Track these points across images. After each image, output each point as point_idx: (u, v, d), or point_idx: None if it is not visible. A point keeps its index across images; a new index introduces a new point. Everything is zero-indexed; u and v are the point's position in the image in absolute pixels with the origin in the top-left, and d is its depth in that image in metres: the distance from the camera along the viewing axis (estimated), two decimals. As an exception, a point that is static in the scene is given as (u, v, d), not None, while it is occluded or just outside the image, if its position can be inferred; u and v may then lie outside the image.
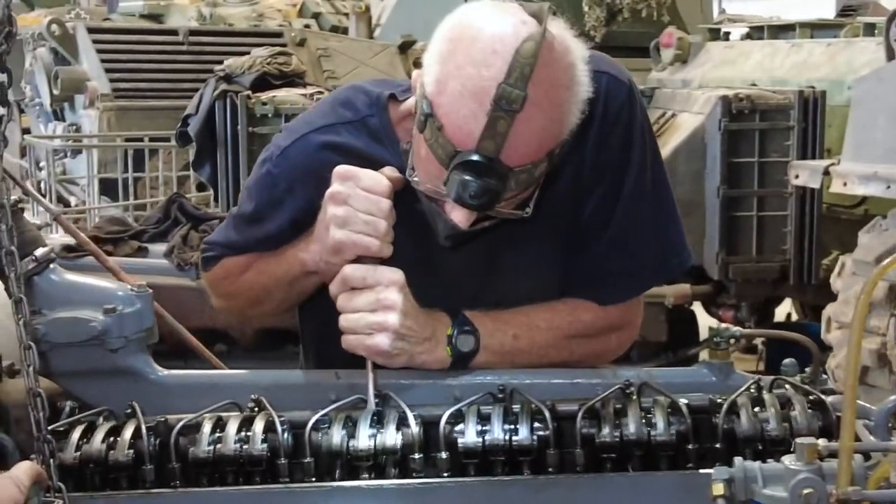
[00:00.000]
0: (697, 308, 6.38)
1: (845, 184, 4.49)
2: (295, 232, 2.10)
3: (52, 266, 2.02)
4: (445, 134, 1.80)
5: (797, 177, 4.83)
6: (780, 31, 7.69)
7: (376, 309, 1.96)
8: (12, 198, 1.87)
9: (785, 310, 7.53)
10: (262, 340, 3.33)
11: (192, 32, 9.43)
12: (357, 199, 1.96)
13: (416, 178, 1.92)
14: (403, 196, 2.00)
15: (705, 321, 6.42)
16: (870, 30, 6.88)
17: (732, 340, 2.03)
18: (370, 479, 1.83)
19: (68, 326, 1.98)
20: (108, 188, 8.54)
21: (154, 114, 8.83)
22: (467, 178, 1.79)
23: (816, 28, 7.56)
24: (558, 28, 1.84)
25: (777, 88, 6.01)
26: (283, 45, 7.84)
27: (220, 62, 8.74)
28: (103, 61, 9.03)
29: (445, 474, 1.81)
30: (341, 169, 1.99)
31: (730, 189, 5.47)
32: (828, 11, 15.01)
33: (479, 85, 1.77)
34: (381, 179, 1.97)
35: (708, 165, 5.49)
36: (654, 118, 5.92)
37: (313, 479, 1.83)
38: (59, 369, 1.98)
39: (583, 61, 1.86)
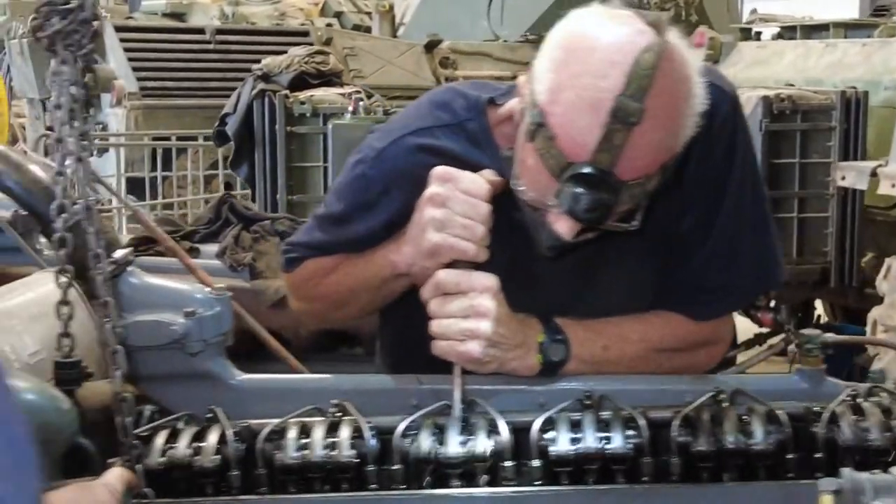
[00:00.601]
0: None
1: (894, 185, 4.45)
2: (386, 234, 2.07)
3: (130, 268, 2.00)
4: (558, 145, 1.76)
5: (843, 178, 4.80)
6: (813, 30, 7.64)
7: (469, 315, 1.91)
8: (90, 199, 1.85)
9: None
10: (316, 342, 3.30)
11: (219, 31, 9.40)
12: (456, 202, 1.91)
13: (521, 187, 1.88)
14: (500, 201, 1.95)
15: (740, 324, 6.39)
16: (906, 29, 6.84)
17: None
18: (461, 486, 1.80)
19: (148, 330, 1.95)
20: (135, 187, 8.52)
21: (181, 112, 8.80)
22: (580, 190, 1.75)
23: (850, 28, 7.52)
24: (675, 38, 1.79)
25: (815, 89, 5.96)
26: (310, 45, 7.82)
27: (247, 61, 8.74)
28: (130, 60, 8.99)
29: (537, 483, 1.79)
30: (440, 170, 1.95)
31: (771, 190, 5.41)
32: (851, 11, 14.99)
33: (595, 96, 1.72)
34: (481, 182, 1.93)
35: (749, 166, 5.43)
36: (692, 118, 5.88)
37: (402, 486, 1.80)
38: (138, 373, 1.95)
39: (698, 73, 1.82)
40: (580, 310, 2.05)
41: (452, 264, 1.94)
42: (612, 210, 1.79)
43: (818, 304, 7.35)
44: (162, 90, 8.98)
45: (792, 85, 6.26)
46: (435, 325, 1.93)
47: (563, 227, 1.84)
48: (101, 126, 9.54)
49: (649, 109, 1.71)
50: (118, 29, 9.28)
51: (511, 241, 1.99)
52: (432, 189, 1.93)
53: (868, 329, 4.61)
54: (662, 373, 2.05)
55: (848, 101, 5.42)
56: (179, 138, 8.44)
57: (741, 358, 6.04)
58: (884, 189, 4.53)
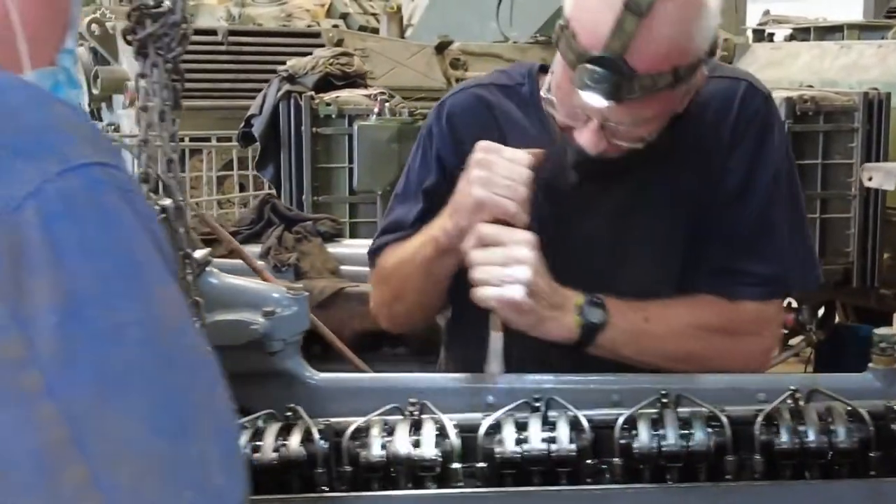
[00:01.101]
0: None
1: (922, 186, 4.48)
2: (443, 185, 2.17)
3: (209, 269, 2.01)
4: (577, 40, 1.90)
5: (870, 179, 4.82)
6: (827, 32, 7.68)
7: (509, 263, 1.98)
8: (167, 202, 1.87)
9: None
10: (359, 342, 3.32)
11: (232, 33, 9.41)
12: (500, 166, 2.01)
13: (554, 110, 2.03)
14: (538, 179, 2.07)
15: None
16: (922, 31, 6.87)
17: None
18: (542, 484, 1.82)
19: (229, 329, 1.96)
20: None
21: (194, 113, 8.77)
22: (591, 67, 1.87)
23: (864, 29, 7.55)
24: None
25: (832, 90, 5.98)
26: (322, 46, 7.83)
27: (259, 62, 8.77)
28: (143, 61, 8.98)
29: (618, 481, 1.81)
30: (485, 143, 2.05)
31: (793, 191, 5.43)
32: (855, 11, 15.02)
33: None
34: (523, 154, 2.03)
35: (771, 167, 5.45)
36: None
37: (485, 484, 1.82)
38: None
39: None
40: (611, 278, 2.14)
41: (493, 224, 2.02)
42: (622, 89, 1.88)
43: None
44: (181, 100, 8.95)
45: (811, 86, 6.29)
46: (476, 271, 2.00)
47: (586, 138, 1.99)
48: (113, 127, 9.55)
49: (659, 3, 1.85)
50: (131, 30, 9.27)
51: (542, 210, 2.10)
52: (478, 154, 2.03)
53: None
54: (711, 356, 2.10)
55: (870, 102, 5.45)
56: (192, 139, 8.44)
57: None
58: (911, 190, 4.55)
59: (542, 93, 2.05)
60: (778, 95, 5.55)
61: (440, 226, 2.12)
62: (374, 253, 2.32)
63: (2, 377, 0.78)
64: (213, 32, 9.42)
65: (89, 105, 9.71)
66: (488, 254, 2.00)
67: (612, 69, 1.86)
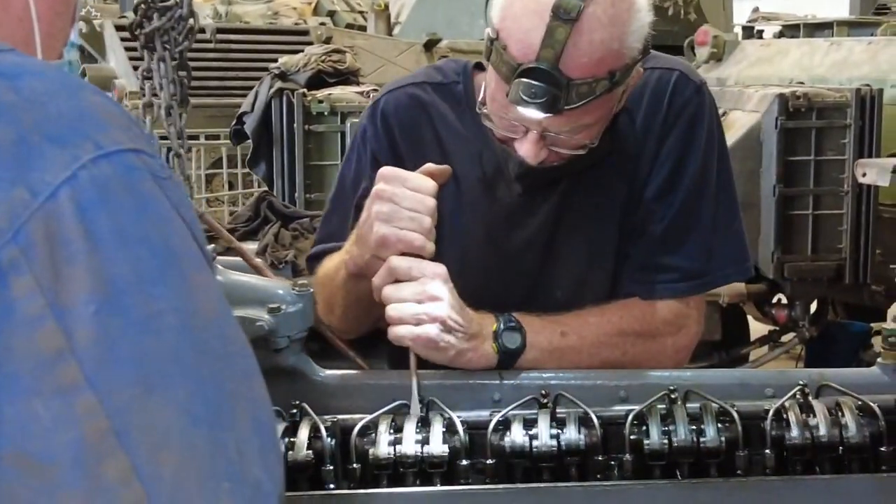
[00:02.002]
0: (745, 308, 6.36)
1: (916, 182, 4.48)
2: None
3: (214, 265, 2.00)
4: (509, 52, 1.86)
5: (864, 175, 4.82)
6: (816, 29, 7.70)
7: (423, 300, 1.95)
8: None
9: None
10: (357, 339, 3.30)
11: (220, 31, 9.37)
12: (402, 197, 1.97)
13: (490, 122, 1.99)
14: (468, 172, 2.10)
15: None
16: (911, 28, 6.89)
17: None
18: (552, 480, 1.81)
19: (234, 326, 1.95)
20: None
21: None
22: (526, 80, 1.84)
23: (853, 26, 7.57)
24: None
25: (822, 87, 6.00)
26: (310, 44, 7.82)
27: (247, 60, 8.75)
28: (131, 59, 8.96)
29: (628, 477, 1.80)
30: (387, 170, 2.02)
31: (785, 187, 5.45)
32: (841, 9, 15.06)
33: (539, 1, 1.83)
34: (426, 181, 1.99)
35: (764, 164, 5.47)
36: (702, 116, 5.89)
37: (494, 480, 1.81)
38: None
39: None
40: (546, 280, 2.14)
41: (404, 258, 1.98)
42: (559, 100, 1.85)
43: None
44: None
45: (801, 83, 6.31)
46: (391, 310, 1.96)
47: (526, 149, 1.96)
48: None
49: (589, 9, 1.82)
50: (119, 28, 9.25)
51: (478, 212, 2.11)
52: (379, 186, 1.99)
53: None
54: (628, 360, 2.07)
55: (863, 98, 5.46)
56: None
57: (754, 355, 6.11)
58: (905, 186, 4.56)
59: (478, 107, 2.00)
60: (771, 92, 5.57)
61: (348, 251, 2.09)
62: (312, 261, 2.29)
63: (40, 369, 0.77)
64: (201, 30, 9.36)
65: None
66: (401, 290, 1.96)
67: (547, 81, 1.83)
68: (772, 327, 6.12)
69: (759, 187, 5.49)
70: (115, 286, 0.79)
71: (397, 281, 1.98)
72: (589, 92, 1.86)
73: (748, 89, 5.87)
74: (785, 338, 6.03)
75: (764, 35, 8.20)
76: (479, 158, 2.13)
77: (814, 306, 6.13)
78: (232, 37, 9.43)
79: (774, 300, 5.94)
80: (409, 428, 1.82)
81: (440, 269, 1.97)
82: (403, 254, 1.98)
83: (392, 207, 1.96)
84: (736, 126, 5.60)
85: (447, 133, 2.16)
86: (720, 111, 5.71)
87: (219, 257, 2.34)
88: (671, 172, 2.09)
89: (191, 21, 1.70)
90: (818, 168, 5.48)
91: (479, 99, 2.00)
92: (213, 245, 2.01)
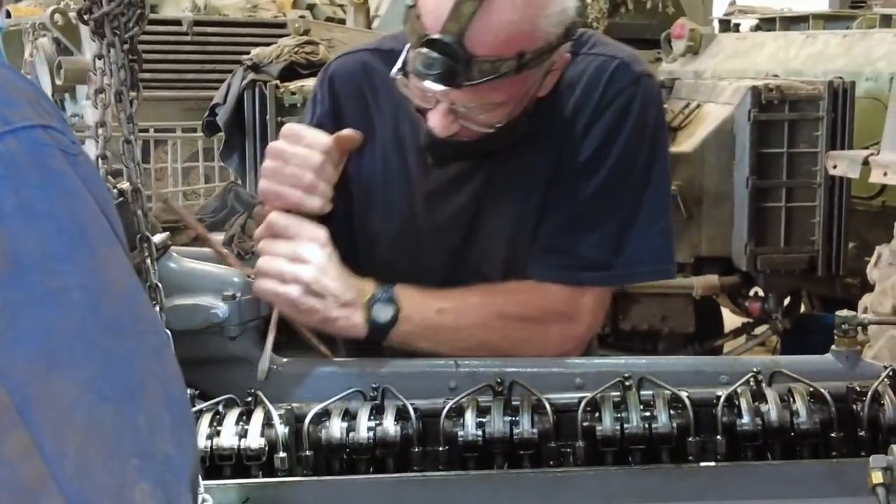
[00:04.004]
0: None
1: (885, 174, 4.49)
2: None
3: (169, 252, 1.99)
4: (420, 21, 1.86)
5: (835, 167, 4.83)
6: (792, 22, 7.70)
7: (293, 260, 1.96)
8: (125, 185, 1.85)
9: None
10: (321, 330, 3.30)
11: (196, 23, 9.35)
12: (290, 154, 1.99)
13: (405, 84, 1.97)
14: (392, 149, 2.10)
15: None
16: (886, 21, 6.90)
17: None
18: (505, 467, 1.81)
19: (188, 313, 1.95)
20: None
21: (159, 104, 8.73)
22: (426, 51, 1.83)
23: (829, 19, 7.58)
24: None
25: (797, 79, 6.00)
26: (287, 36, 7.79)
27: (224, 53, 8.72)
28: (107, 51, 8.92)
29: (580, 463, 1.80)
30: (287, 127, 2.05)
31: (758, 180, 5.45)
32: (821, 3, 15.07)
33: None
34: (319, 139, 2.01)
35: (737, 156, 5.47)
36: (677, 109, 5.90)
37: (446, 467, 1.81)
38: (178, 357, 1.94)
39: None
40: (472, 257, 2.13)
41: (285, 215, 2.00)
42: (457, 74, 1.84)
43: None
44: (139, 82, 8.89)
45: (776, 76, 6.31)
46: (261, 262, 1.98)
47: (435, 120, 1.96)
48: (76, 118, 9.48)
49: None
50: (95, 20, 9.20)
51: (402, 185, 2.12)
52: (273, 143, 2.02)
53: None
54: (508, 345, 2.05)
55: (835, 90, 5.46)
56: (157, 130, 8.39)
57: (728, 347, 6.12)
58: (875, 178, 4.57)
59: (392, 72, 1.99)
60: (743, 85, 5.58)
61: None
62: None
63: None
64: (177, 23, 9.36)
65: (53, 96, 9.64)
66: (275, 245, 1.97)
67: (446, 53, 1.82)
68: (745, 319, 6.13)
69: (731, 180, 5.50)
70: (20, 262, 0.79)
71: (276, 235, 1.99)
72: (492, 70, 1.85)
73: (721, 82, 5.88)
74: (758, 330, 6.04)
75: (741, 28, 8.20)
76: (413, 128, 2.12)
77: (789, 299, 6.13)
78: (209, 29, 9.40)
79: (752, 293, 5.95)
80: (363, 415, 1.82)
81: (319, 232, 1.98)
82: (288, 210, 1.98)
83: (278, 163, 1.98)
84: (709, 119, 5.61)
85: (387, 101, 2.14)
86: (693, 104, 5.76)
87: (186, 247, 2.34)
88: (590, 159, 2.06)
89: (141, 7, 1.68)
90: (791, 160, 5.47)
91: (397, 66, 1.98)
92: (167, 233, 2.00)
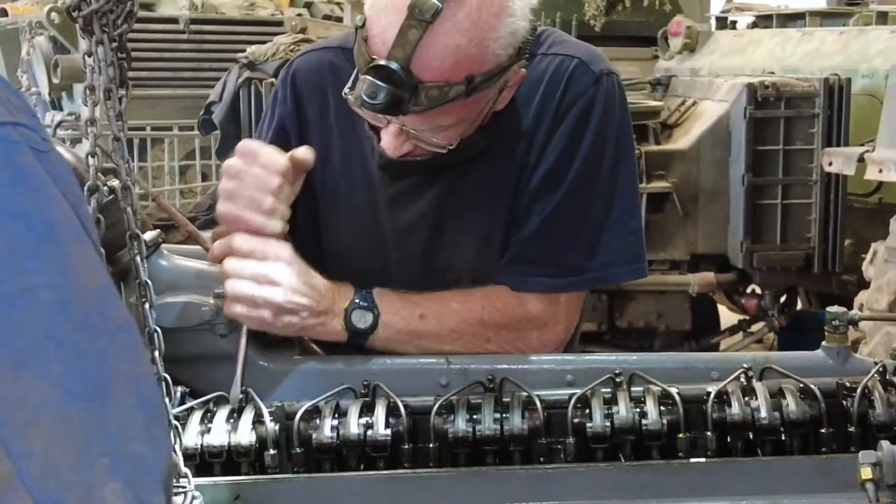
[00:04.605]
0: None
1: (881, 170, 4.49)
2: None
3: (159, 250, 1.99)
4: (368, 44, 1.83)
5: (830, 164, 4.83)
6: (789, 19, 7.70)
7: (262, 283, 1.93)
8: (115, 182, 1.85)
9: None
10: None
11: (193, 21, 9.35)
12: (247, 175, 1.94)
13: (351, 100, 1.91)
14: (354, 151, 2.06)
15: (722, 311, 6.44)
16: (882, 18, 6.90)
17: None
18: (496, 464, 1.81)
19: (178, 311, 1.95)
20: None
21: (155, 102, 8.74)
22: (370, 78, 1.79)
23: (826, 17, 7.58)
24: None
25: (793, 76, 6.00)
26: (284, 34, 7.78)
27: (221, 51, 8.71)
28: (104, 50, 8.91)
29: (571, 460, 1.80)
30: (242, 144, 1.99)
31: (754, 177, 5.46)
32: (817, 0, 15.06)
33: None
34: (277, 159, 1.95)
35: (733, 153, 5.47)
36: (673, 106, 5.91)
37: (436, 464, 1.81)
38: (168, 354, 1.94)
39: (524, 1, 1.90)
40: (437, 265, 2.11)
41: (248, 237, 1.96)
42: (402, 103, 1.80)
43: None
44: (136, 80, 8.83)
45: (772, 73, 6.31)
46: (229, 286, 1.94)
47: (386, 141, 1.93)
48: (73, 116, 9.47)
49: (448, 11, 1.78)
50: (92, 19, 9.18)
51: (365, 193, 2.09)
52: (230, 161, 1.97)
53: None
54: (493, 348, 2.05)
55: (831, 87, 5.46)
56: (154, 128, 8.39)
57: (724, 344, 6.12)
58: (871, 174, 4.56)
59: (344, 91, 1.92)
60: (739, 82, 5.57)
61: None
62: None
63: None
64: (174, 21, 9.36)
65: (50, 94, 9.64)
66: (242, 268, 1.93)
67: (392, 80, 1.78)
68: (742, 316, 6.13)
69: (727, 177, 5.50)
70: None
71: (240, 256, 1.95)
72: (440, 96, 1.81)
73: (717, 79, 5.88)
74: (755, 327, 6.04)
75: (737, 26, 8.21)
76: (358, 143, 2.09)
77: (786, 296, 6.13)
78: (205, 27, 9.40)
79: (749, 290, 5.95)
80: (353, 412, 1.82)
81: (284, 250, 1.95)
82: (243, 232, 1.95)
83: (236, 184, 1.94)
84: (705, 116, 5.61)
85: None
86: (689, 101, 5.76)
87: (178, 245, 2.33)
88: (556, 163, 2.03)
89: (129, 4, 1.67)
90: (787, 157, 5.48)
91: (349, 85, 1.92)
92: (158, 230, 2.00)
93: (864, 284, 4.85)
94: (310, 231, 2.12)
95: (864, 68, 6.40)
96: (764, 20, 7.86)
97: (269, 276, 1.92)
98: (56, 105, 9.83)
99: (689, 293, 5.52)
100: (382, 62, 1.79)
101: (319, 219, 2.15)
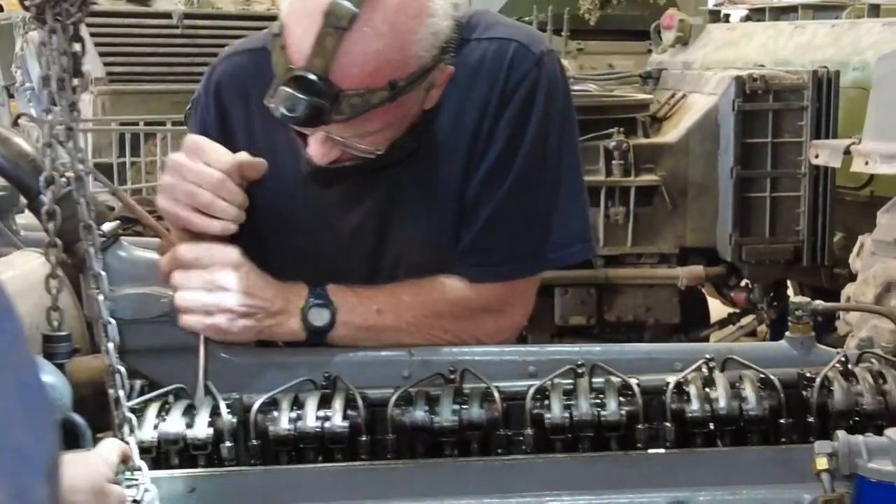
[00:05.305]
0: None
1: (867, 163, 4.47)
2: None
3: (119, 241, 1.98)
4: (286, 52, 1.78)
5: (817, 156, 4.80)
6: (782, 12, 7.67)
7: (212, 290, 1.90)
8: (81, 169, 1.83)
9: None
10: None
11: (187, 16, 9.34)
12: (190, 171, 1.90)
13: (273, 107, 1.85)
14: (287, 155, 1.98)
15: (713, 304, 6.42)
16: (874, 11, 6.87)
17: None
18: (454, 455, 1.80)
19: (137, 303, 1.94)
20: (103, 173, 8.40)
21: (149, 98, 8.74)
22: (289, 91, 1.76)
23: (818, 9, 7.54)
24: None
25: (784, 69, 5.98)
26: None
27: (214, 46, 8.67)
28: (97, 45, 8.90)
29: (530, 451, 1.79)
30: (189, 140, 1.95)
31: (743, 170, 5.44)
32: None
33: (315, 2, 1.75)
34: (223, 156, 1.91)
35: (721, 146, 5.45)
36: (663, 99, 5.89)
37: (394, 456, 1.80)
38: (127, 346, 1.92)
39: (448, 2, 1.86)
40: (386, 260, 2.07)
41: (194, 235, 1.93)
42: (322, 114, 1.77)
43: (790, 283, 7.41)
44: (129, 75, 8.91)
45: (762, 66, 6.28)
46: (179, 299, 1.91)
47: (313, 149, 1.89)
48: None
49: (365, 17, 1.74)
50: (84, 14, 9.17)
51: (309, 193, 2.02)
52: (173, 156, 1.94)
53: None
54: (451, 338, 2.02)
55: (819, 80, 5.45)
56: (147, 123, 8.37)
57: (714, 337, 6.11)
58: (857, 167, 4.54)
59: (267, 100, 1.82)
60: (727, 75, 5.56)
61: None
62: None
63: None
64: (167, 16, 9.35)
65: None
66: (189, 279, 1.90)
67: (311, 91, 1.74)
68: (732, 310, 6.12)
69: (716, 170, 5.49)
70: None
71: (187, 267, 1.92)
72: (363, 104, 1.78)
73: (707, 72, 5.86)
74: (745, 320, 6.03)
75: (730, 19, 8.17)
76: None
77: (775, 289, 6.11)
78: (199, 22, 9.39)
79: (742, 283, 5.93)
80: (311, 404, 1.81)
81: (231, 254, 1.92)
82: (186, 230, 1.92)
83: (176, 181, 1.90)
84: (694, 109, 5.60)
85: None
86: (679, 94, 5.75)
87: (142, 238, 2.33)
88: (504, 150, 1.99)
89: (83, -7, 1.66)
90: (775, 150, 5.46)
91: (269, 93, 1.83)
92: (117, 221, 1.99)
93: (856, 278, 4.83)
94: (255, 237, 2.05)
95: (856, 61, 6.37)
96: (757, 13, 7.82)
97: (218, 283, 1.90)
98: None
99: (678, 286, 5.50)
100: (300, 72, 1.75)
101: (260, 226, 2.08)
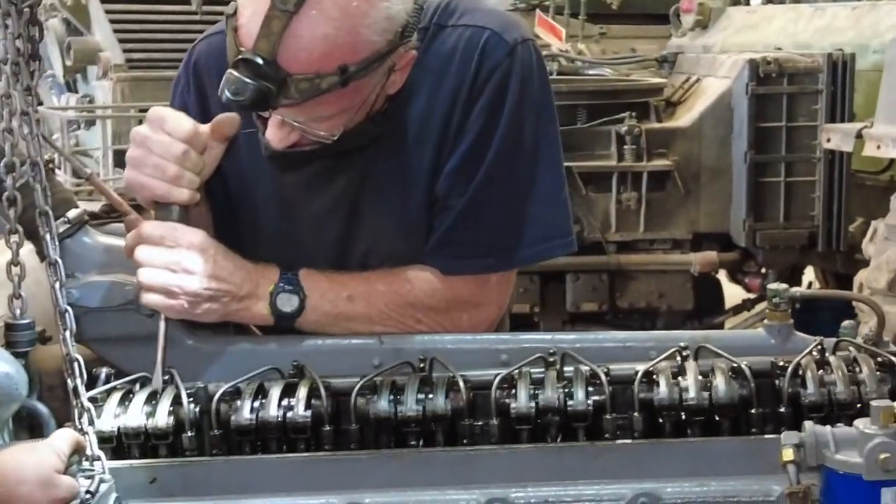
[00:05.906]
0: (721, 276, 6.30)
1: (879, 147, 4.41)
2: None
3: (84, 228, 1.96)
4: (237, 35, 1.76)
5: (829, 140, 4.75)
6: (802, -6, 7.58)
7: (176, 271, 1.87)
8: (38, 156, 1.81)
9: (806, 279, 7.45)
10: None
11: (206, 2, 9.31)
12: (153, 142, 1.87)
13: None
14: (259, 139, 1.95)
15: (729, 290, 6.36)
16: (895, -7, 6.78)
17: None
18: (418, 445, 1.77)
19: (103, 291, 1.92)
20: (123, 160, 8.43)
21: (168, 84, 8.66)
22: (236, 75, 1.73)
23: (840, -8, 7.46)
24: None
25: (803, 52, 5.91)
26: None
27: (234, 32, 8.69)
28: (116, 31, 8.94)
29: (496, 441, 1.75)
30: (152, 111, 1.91)
31: (757, 154, 5.37)
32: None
33: None
34: (183, 125, 1.88)
35: (735, 130, 5.40)
36: (678, 83, 5.83)
37: (358, 446, 1.77)
38: (93, 335, 1.91)
39: None
40: (356, 246, 2.04)
41: (160, 208, 1.90)
42: (269, 99, 1.74)
43: (809, 270, 7.32)
44: (148, 62, 8.91)
45: (780, 49, 6.21)
46: (142, 275, 1.87)
47: (270, 133, 1.88)
48: (87, 99, 9.48)
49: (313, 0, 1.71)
50: (104, 1, 9.20)
51: (277, 177, 2.01)
52: (136, 129, 1.91)
53: (854, 291, 4.57)
54: (424, 329, 1.99)
55: (835, 63, 5.38)
56: (166, 110, 8.37)
57: (729, 324, 6.05)
58: (869, 150, 4.48)
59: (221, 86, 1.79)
60: (741, 58, 5.49)
61: None
62: None
63: None
64: (186, 2, 9.33)
65: (64, 77, 9.66)
66: (154, 256, 1.86)
67: (258, 75, 1.71)
68: (747, 296, 6.06)
69: (730, 154, 5.43)
70: None
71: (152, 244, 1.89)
72: (312, 88, 1.74)
73: (721, 55, 5.80)
74: (759, 307, 5.97)
75: (751, 2, 8.10)
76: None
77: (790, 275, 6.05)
78: (219, 8, 9.28)
79: (761, 269, 5.87)
80: (274, 394, 1.78)
81: (197, 237, 1.89)
82: (155, 202, 1.89)
83: (142, 152, 1.88)
84: (708, 92, 5.54)
85: None
86: (693, 78, 5.68)
87: (114, 224, 2.30)
88: (475, 141, 1.95)
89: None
90: (790, 134, 5.40)
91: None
92: (82, 209, 1.97)
93: (875, 263, 4.77)
94: (226, 219, 2.05)
95: (876, 44, 6.28)
96: (778, -4, 7.75)
97: (183, 264, 1.87)
98: (71, 87, 9.85)
99: (692, 272, 5.45)
100: (247, 55, 1.72)
101: (233, 206, 2.07)
